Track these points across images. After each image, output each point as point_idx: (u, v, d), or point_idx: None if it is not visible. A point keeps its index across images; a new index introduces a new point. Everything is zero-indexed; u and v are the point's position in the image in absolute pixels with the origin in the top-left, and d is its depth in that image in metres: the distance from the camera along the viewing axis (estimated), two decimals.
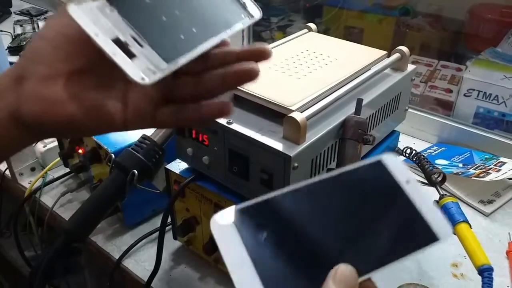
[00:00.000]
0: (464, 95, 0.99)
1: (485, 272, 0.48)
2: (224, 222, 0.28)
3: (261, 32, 1.48)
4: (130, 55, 0.30)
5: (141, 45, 0.31)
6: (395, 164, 0.30)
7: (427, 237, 0.28)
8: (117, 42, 0.30)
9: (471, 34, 1.40)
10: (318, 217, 0.29)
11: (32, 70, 0.31)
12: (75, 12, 0.29)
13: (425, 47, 1.47)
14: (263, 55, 0.34)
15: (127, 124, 0.34)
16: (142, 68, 0.30)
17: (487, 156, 0.86)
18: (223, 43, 0.35)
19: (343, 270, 0.26)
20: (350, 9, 1.55)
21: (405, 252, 0.28)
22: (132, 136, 0.66)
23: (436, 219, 0.28)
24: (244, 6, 0.37)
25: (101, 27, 0.29)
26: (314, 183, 0.29)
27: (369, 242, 0.29)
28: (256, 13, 0.37)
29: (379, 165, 0.30)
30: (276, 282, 0.27)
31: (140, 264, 0.67)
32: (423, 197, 0.29)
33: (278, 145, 0.48)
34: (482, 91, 0.98)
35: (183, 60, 0.32)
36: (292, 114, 0.48)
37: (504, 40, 1.21)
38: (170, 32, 0.33)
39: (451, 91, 1.08)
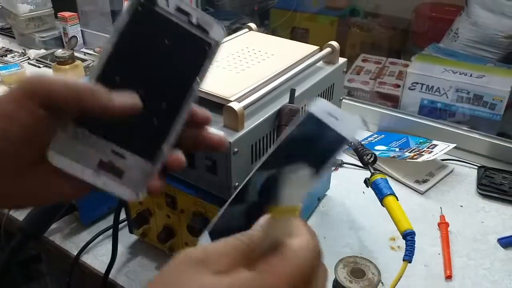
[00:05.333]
0: (409, 88, 1.05)
1: (408, 236, 0.54)
2: None
3: None
4: (118, 173, 0.30)
5: (123, 157, 0.31)
6: None
7: None
8: (102, 165, 0.30)
9: (418, 31, 1.49)
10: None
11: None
12: (58, 161, 0.29)
13: (375, 45, 1.55)
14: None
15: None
16: (134, 183, 0.30)
17: (421, 140, 0.94)
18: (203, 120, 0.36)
19: None
20: (300, 11, 1.62)
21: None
22: None
23: None
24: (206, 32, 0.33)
25: (83, 159, 0.29)
26: None
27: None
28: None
29: None
30: None
31: (98, 258, 0.70)
32: None
33: (219, 133, 0.52)
34: (425, 84, 1.04)
35: (165, 147, 0.32)
36: (230, 104, 0.52)
37: (445, 36, 1.30)
38: (143, 124, 0.31)
39: (398, 86, 1.14)
